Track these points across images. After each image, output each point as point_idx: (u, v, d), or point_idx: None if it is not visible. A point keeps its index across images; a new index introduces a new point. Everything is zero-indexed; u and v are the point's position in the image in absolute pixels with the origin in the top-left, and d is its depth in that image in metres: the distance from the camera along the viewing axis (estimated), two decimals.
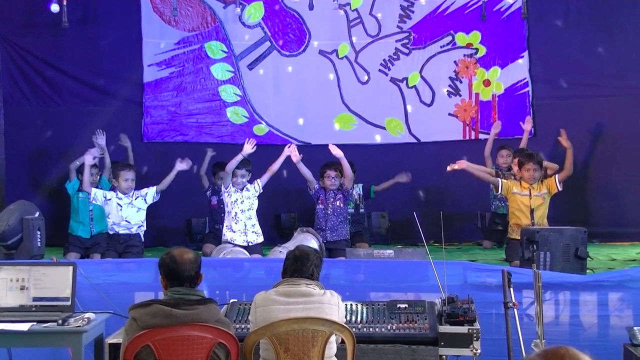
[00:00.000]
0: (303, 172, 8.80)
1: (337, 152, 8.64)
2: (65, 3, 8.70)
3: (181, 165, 8.62)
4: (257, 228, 8.58)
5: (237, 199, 8.46)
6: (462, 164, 8.64)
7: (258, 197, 8.62)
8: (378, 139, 10.88)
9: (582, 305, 6.30)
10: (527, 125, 9.72)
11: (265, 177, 8.60)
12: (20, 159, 10.19)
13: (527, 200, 8.31)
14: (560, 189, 8.37)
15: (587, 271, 7.03)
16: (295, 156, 8.65)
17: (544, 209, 8.36)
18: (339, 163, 8.76)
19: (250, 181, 8.60)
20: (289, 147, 8.76)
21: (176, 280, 4.21)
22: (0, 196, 9.10)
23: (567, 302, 6.32)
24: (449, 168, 8.59)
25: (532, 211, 8.28)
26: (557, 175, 8.44)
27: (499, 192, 8.54)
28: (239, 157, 8.45)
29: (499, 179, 8.57)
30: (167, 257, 4.28)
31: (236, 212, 8.45)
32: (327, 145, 8.79)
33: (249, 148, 8.46)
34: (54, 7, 8.56)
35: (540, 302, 5.11)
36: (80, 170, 8.90)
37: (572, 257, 6.92)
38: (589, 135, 10.48)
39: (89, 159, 8.58)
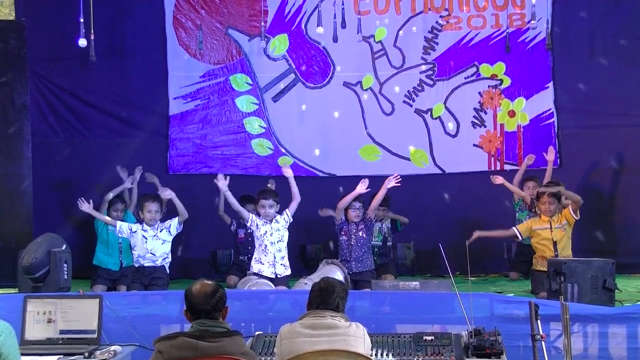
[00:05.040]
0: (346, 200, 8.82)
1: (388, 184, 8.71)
2: (92, 37, 8.79)
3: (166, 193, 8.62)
4: (286, 261, 8.52)
5: (266, 231, 8.42)
6: (499, 180, 9.32)
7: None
8: (402, 170, 10.83)
9: (611, 337, 6.21)
10: (551, 156, 9.68)
11: (293, 205, 8.58)
12: (48, 191, 10.25)
13: (549, 233, 8.31)
14: (576, 217, 8.34)
15: (616, 303, 6.96)
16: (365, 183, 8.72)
17: (566, 239, 8.33)
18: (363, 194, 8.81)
19: (279, 212, 8.59)
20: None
21: (193, 313, 4.25)
22: (28, 228, 9.15)
23: (595, 334, 6.23)
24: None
25: (555, 244, 8.24)
26: (569, 206, 8.39)
27: (520, 239, 8.62)
28: (228, 195, 8.55)
29: (514, 229, 8.60)
30: (187, 290, 4.33)
31: (266, 245, 8.40)
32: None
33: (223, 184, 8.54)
34: (82, 42, 8.65)
35: (568, 335, 5.06)
36: (110, 203, 9.00)
37: (600, 289, 6.84)
38: (615, 165, 10.41)
39: (128, 184, 8.84)
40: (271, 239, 8.42)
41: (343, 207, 8.83)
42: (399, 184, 8.76)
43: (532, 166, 10.28)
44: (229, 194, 8.58)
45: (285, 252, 8.54)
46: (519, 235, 8.61)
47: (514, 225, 9.72)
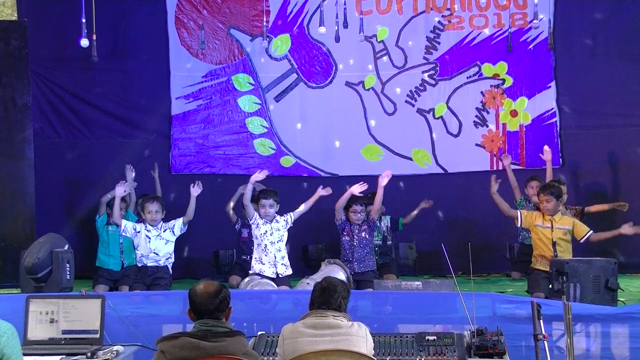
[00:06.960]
0: (342, 200, 8.79)
1: (382, 182, 8.67)
2: (94, 38, 8.78)
3: (196, 190, 8.61)
4: (286, 260, 8.53)
5: (266, 231, 8.41)
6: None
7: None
8: (405, 170, 10.85)
9: (613, 337, 6.21)
10: (547, 156, 9.64)
11: (299, 211, 8.60)
12: (50, 192, 10.26)
13: (549, 232, 8.21)
14: (581, 242, 8.25)
15: (618, 303, 6.95)
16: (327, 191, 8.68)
17: (565, 243, 8.21)
18: (364, 197, 8.77)
19: (281, 213, 8.57)
20: (324, 188, 8.76)
21: (196, 313, 4.26)
22: (30, 228, 9.16)
23: (598, 334, 6.22)
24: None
25: (554, 244, 8.18)
26: (591, 232, 8.22)
27: (519, 224, 8.49)
28: (250, 187, 8.45)
29: (518, 211, 8.51)
30: (191, 289, 4.32)
31: (266, 244, 8.40)
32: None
33: (258, 176, 8.49)
34: (84, 42, 8.63)
35: (571, 335, 5.06)
36: (109, 204, 8.97)
37: (602, 289, 6.84)
38: (617, 164, 10.41)
39: (120, 190, 8.59)
40: (271, 239, 8.41)
41: (341, 207, 8.79)
42: (389, 177, 8.71)
43: (534, 165, 10.30)
44: (249, 188, 8.53)
45: (285, 252, 8.55)
46: (519, 219, 8.46)
47: (517, 225, 9.73)
